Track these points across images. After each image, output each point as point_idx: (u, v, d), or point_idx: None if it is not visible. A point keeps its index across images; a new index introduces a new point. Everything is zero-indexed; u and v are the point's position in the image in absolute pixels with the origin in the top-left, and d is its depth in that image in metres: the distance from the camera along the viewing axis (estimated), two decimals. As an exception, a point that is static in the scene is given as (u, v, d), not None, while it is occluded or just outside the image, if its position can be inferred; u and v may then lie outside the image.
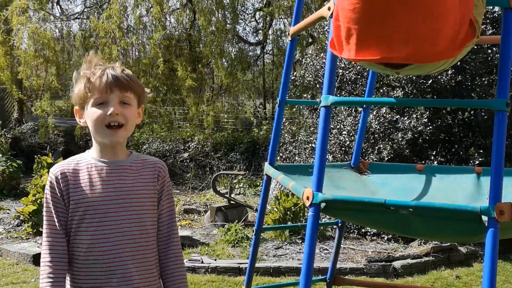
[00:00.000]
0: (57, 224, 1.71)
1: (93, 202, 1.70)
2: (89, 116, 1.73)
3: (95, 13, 11.99)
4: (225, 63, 11.61)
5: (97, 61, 1.76)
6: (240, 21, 12.99)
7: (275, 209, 5.87)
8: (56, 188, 1.72)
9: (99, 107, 1.71)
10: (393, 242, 5.56)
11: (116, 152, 1.78)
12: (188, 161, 10.54)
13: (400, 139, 5.60)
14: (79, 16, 13.03)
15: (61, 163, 1.79)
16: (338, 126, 6.18)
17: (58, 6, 13.89)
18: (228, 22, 11.29)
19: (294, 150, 7.32)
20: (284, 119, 7.95)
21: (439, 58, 1.71)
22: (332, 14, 1.97)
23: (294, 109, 9.46)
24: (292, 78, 7.47)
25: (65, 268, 1.70)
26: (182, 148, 10.91)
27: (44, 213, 1.75)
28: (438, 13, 1.58)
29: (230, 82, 11.53)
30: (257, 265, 4.48)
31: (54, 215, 1.71)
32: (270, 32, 13.85)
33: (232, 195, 6.86)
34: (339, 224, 3.21)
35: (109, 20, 10.13)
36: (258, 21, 14.77)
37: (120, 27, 10.16)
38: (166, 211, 1.82)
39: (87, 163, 1.76)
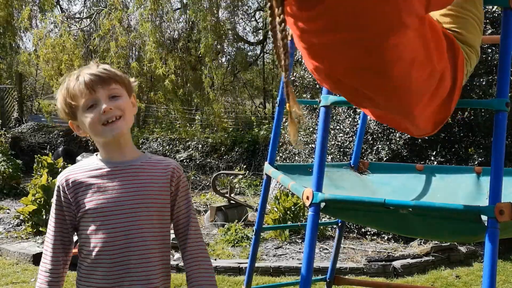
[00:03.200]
0: (57, 232, 1.70)
1: (102, 207, 1.65)
2: (84, 123, 1.67)
3: (103, 14, 11.95)
4: (225, 63, 11.61)
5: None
6: (240, 21, 13.00)
7: (275, 209, 5.86)
8: (62, 196, 1.69)
9: (90, 110, 1.64)
10: (393, 241, 5.56)
11: (123, 151, 1.71)
12: (188, 161, 10.53)
13: (398, 139, 5.59)
14: (91, 19, 12.93)
15: (68, 169, 1.74)
16: (337, 127, 6.18)
17: (58, 6, 13.89)
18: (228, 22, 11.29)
19: (294, 150, 7.32)
20: (284, 119, 7.94)
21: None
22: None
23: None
24: (292, 78, 7.47)
25: (62, 274, 1.72)
26: (182, 148, 10.90)
27: (49, 219, 1.74)
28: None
29: (230, 82, 11.53)
30: (257, 264, 4.48)
31: (55, 223, 1.70)
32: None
33: (232, 195, 6.85)
34: (339, 224, 3.21)
35: (116, 19, 10.14)
36: (258, 21, 14.77)
37: (121, 25, 10.18)
38: (183, 211, 1.79)
39: (95, 167, 1.70)
